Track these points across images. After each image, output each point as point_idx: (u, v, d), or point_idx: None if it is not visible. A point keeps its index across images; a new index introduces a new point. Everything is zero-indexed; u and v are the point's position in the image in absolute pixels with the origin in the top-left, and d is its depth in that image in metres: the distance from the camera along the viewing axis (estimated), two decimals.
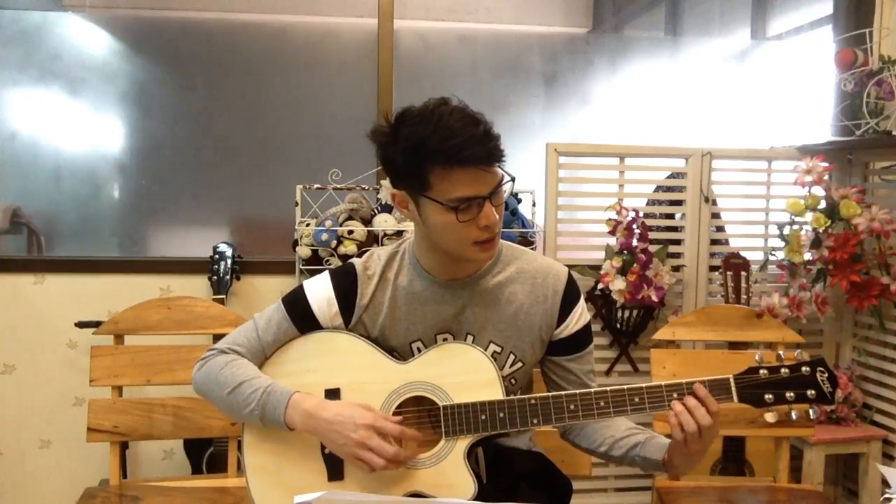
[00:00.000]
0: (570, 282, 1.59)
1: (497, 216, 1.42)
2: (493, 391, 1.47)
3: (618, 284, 2.66)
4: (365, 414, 1.42)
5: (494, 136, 1.39)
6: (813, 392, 1.41)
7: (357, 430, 1.40)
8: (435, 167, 1.37)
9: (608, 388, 1.45)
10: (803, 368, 1.42)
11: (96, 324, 2.36)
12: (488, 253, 1.47)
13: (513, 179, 1.44)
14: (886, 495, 1.31)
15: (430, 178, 1.38)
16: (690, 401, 1.40)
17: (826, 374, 1.42)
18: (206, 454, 2.69)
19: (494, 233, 1.44)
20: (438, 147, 1.35)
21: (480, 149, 1.36)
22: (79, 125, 3.11)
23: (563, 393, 1.47)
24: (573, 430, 1.64)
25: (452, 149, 1.34)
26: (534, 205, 2.89)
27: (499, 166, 1.41)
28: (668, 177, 2.93)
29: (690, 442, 1.39)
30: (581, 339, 1.60)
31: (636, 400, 1.44)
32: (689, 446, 1.40)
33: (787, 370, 1.42)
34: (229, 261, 2.76)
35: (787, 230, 2.73)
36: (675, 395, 1.42)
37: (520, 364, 1.57)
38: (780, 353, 1.45)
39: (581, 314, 1.59)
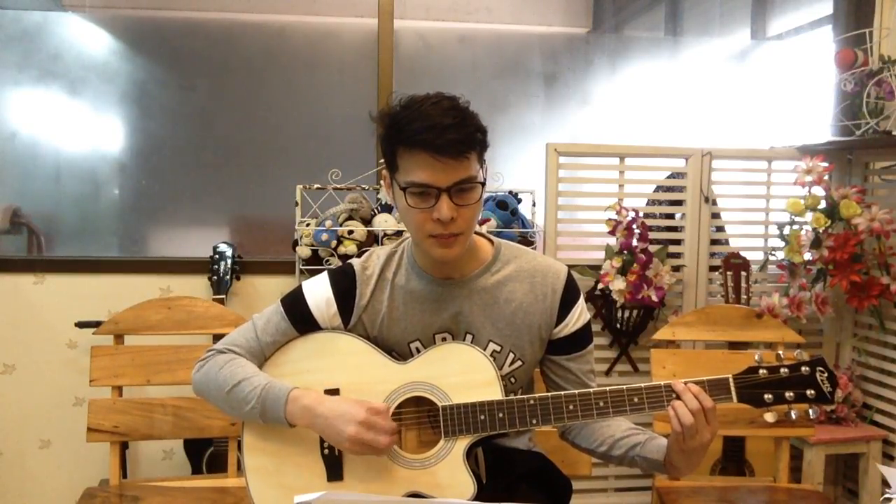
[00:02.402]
0: (570, 280, 1.59)
1: (454, 215, 1.39)
2: (492, 391, 1.47)
3: (618, 284, 2.66)
4: (358, 410, 1.42)
5: (465, 129, 1.38)
6: (812, 392, 1.41)
7: (349, 425, 1.40)
8: (399, 147, 1.40)
9: (607, 388, 1.45)
10: (803, 368, 1.42)
11: (96, 324, 2.36)
12: (445, 250, 1.45)
13: (482, 184, 1.44)
14: (886, 495, 1.31)
15: (398, 159, 1.41)
16: (688, 394, 1.40)
17: (825, 374, 1.42)
18: (206, 454, 2.69)
19: (450, 230, 1.42)
20: (404, 127, 1.38)
21: (440, 137, 1.35)
22: (79, 125, 3.11)
23: (561, 393, 1.47)
24: (572, 430, 1.63)
25: (413, 131, 1.36)
26: (534, 205, 2.89)
27: (475, 163, 1.41)
28: (668, 177, 2.93)
29: (688, 437, 1.39)
30: (580, 339, 1.60)
31: (635, 400, 1.43)
32: (686, 442, 1.39)
33: (786, 370, 1.42)
34: (229, 261, 2.76)
35: (787, 230, 2.73)
36: (673, 395, 1.41)
37: (519, 363, 1.57)
38: (780, 352, 1.45)
39: (580, 313, 1.59)
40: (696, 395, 1.39)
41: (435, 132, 1.35)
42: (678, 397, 1.40)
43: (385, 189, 1.53)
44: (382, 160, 1.50)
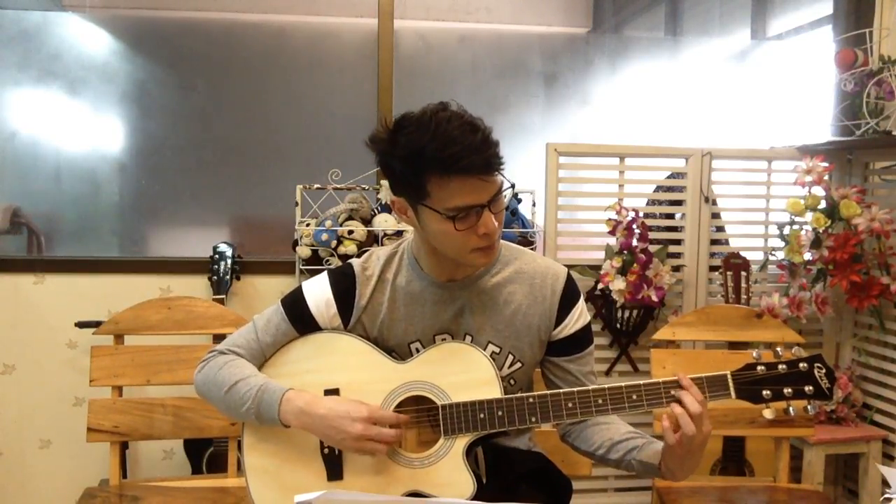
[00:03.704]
0: (569, 282, 1.59)
1: (496, 223, 1.41)
2: (491, 390, 1.47)
3: (618, 284, 2.66)
4: (360, 407, 1.43)
5: (493, 143, 1.37)
6: (811, 388, 1.41)
7: (354, 423, 1.41)
8: (433, 176, 1.35)
9: (606, 386, 1.45)
10: (801, 364, 1.42)
11: (96, 324, 2.36)
12: (487, 259, 1.47)
13: (512, 186, 1.44)
14: (886, 495, 1.31)
15: (428, 187, 1.37)
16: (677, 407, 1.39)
17: (824, 370, 1.42)
18: (206, 454, 2.69)
19: (494, 239, 1.43)
20: (436, 156, 1.33)
21: (479, 157, 1.34)
22: (79, 125, 3.12)
23: (561, 391, 1.46)
24: (572, 433, 1.63)
25: (450, 158, 1.32)
26: (534, 205, 2.89)
27: (498, 173, 1.39)
28: (668, 177, 2.93)
29: (684, 441, 1.38)
30: (580, 340, 1.60)
31: (634, 397, 1.43)
32: (681, 446, 1.38)
33: (784, 366, 1.42)
34: (229, 261, 2.76)
35: (787, 230, 2.73)
36: (672, 392, 1.41)
37: (519, 364, 1.57)
38: (778, 349, 1.45)
39: (580, 315, 1.59)
40: (687, 388, 1.39)
41: (471, 154, 1.33)
42: (677, 393, 1.40)
43: (398, 214, 1.49)
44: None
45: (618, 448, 1.54)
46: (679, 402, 1.39)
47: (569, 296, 1.58)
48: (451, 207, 1.37)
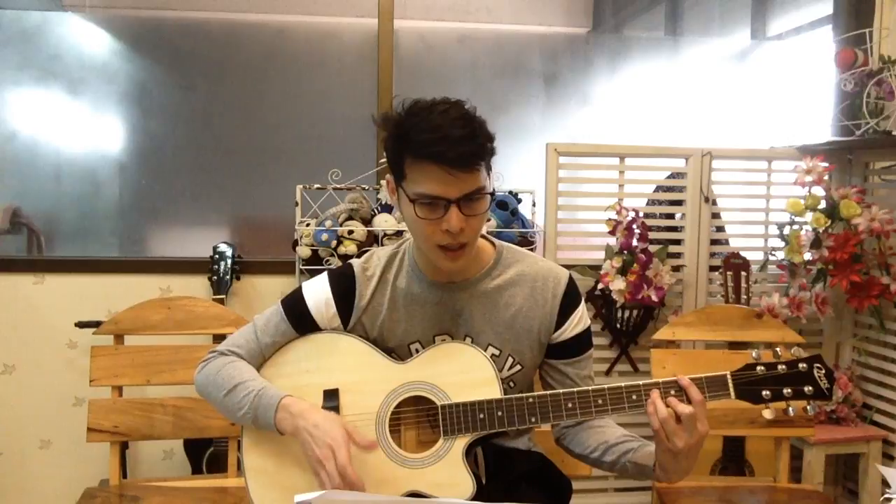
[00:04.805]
0: (571, 285, 1.58)
1: (463, 226, 1.38)
2: (491, 390, 1.47)
3: (618, 284, 2.66)
4: (336, 436, 1.38)
5: (476, 141, 1.36)
6: (810, 388, 1.41)
7: (322, 447, 1.38)
8: (408, 157, 1.38)
9: (605, 386, 1.45)
10: (800, 365, 1.42)
11: (96, 324, 2.36)
12: (454, 263, 1.44)
13: (492, 195, 1.43)
14: (886, 495, 1.32)
15: (405, 168, 1.39)
16: (669, 399, 1.38)
17: (823, 371, 1.42)
18: (206, 454, 2.69)
19: (459, 241, 1.41)
20: (413, 137, 1.36)
21: (452, 149, 1.33)
22: (79, 125, 3.12)
23: (560, 391, 1.46)
24: (567, 436, 1.63)
25: (424, 142, 1.34)
26: (534, 205, 2.89)
27: (484, 173, 1.39)
28: (668, 177, 2.93)
29: (670, 434, 1.36)
30: (579, 343, 1.59)
31: (633, 397, 1.43)
32: (670, 440, 1.36)
33: (784, 367, 1.42)
34: (229, 261, 2.76)
35: (787, 230, 2.73)
36: (672, 392, 1.40)
37: (518, 367, 1.57)
38: (777, 349, 1.45)
39: (580, 318, 1.59)
40: (685, 388, 1.38)
41: (446, 144, 1.33)
42: (677, 396, 1.39)
43: (388, 193, 1.51)
44: (384, 160, 1.49)
45: (612, 451, 1.54)
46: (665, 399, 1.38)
47: (570, 299, 1.57)
48: (416, 192, 1.38)
